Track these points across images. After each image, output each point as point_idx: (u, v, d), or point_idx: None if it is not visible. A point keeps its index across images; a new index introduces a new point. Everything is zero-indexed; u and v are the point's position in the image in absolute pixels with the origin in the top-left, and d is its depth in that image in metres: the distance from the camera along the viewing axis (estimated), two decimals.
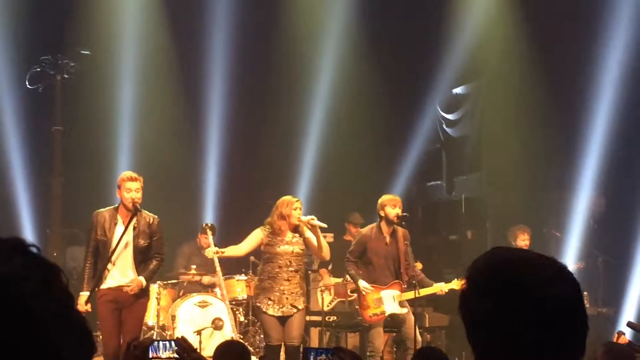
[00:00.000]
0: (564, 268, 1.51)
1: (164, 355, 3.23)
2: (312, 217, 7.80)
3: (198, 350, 7.62)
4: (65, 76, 10.06)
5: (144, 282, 7.29)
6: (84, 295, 7.09)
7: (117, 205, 7.32)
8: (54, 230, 10.45)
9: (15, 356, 1.02)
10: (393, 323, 8.46)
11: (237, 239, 8.37)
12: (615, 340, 6.09)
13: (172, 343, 3.22)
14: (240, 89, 12.37)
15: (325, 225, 7.95)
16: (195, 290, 9.92)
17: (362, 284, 8.26)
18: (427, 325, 9.61)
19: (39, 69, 10.05)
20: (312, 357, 3.55)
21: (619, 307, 10.12)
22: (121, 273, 7.25)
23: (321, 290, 9.89)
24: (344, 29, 12.33)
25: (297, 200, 7.88)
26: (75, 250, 11.06)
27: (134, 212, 7.17)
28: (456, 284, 8.21)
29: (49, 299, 1.07)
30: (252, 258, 9.76)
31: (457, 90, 12.53)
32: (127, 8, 11.70)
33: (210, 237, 8.53)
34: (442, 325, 9.92)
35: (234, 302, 9.91)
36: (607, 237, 10.35)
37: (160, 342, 3.24)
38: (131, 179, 7.16)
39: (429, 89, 12.34)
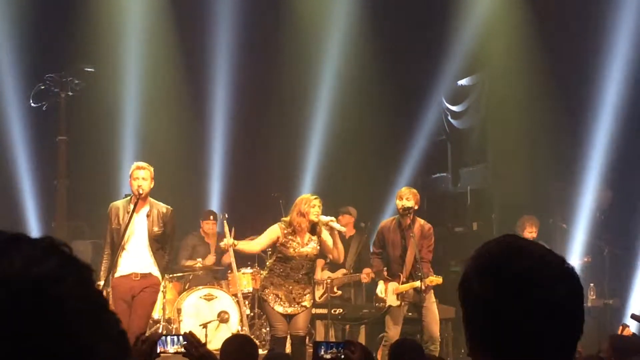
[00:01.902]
0: (571, 269, 1.52)
1: (171, 350, 3.22)
2: (332, 218, 7.77)
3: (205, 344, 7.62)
4: (70, 93, 10.12)
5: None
6: (99, 284, 7.31)
7: (131, 196, 7.63)
8: (58, 224, 10.46)
9: (54, 358, 1.02)
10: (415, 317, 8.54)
11: (242, 231, 8.38)
12: (619, 333, 6.09)
13: (180, 338, 3.21)
14: (245, 85, 12.39)
15: (343, 229, 7.93)
16: (201, 283, 9.93)
17: (380, 287, 8.35)
18: None
19: (43, 87, 10.11)
20: (322, 351, 3.54)
21: (625, 299, 10.11)
22: (137, 260, 7.50)
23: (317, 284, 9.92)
24: (349, 21, 12.31)
25: (315, 198, 7.79)
26: (79, 244, 11.06)
27: (137, 199, 7.44)
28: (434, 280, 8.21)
29: (86, 299, 1.06)
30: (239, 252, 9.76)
31: (463, 81, 12.50)
32: (130, 23, 11.79)
33: (226, 228, 8.46)
34: (449, 317, 9.90)
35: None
36: (613, 229, 10.33)
37: (168, 337, 3.23)
38: (138, 168, 7.50)
39: (434, 81, 12.31)
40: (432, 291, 8.25)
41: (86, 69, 10.28)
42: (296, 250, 7.67)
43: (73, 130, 10.41)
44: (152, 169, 7.58)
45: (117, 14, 11.77)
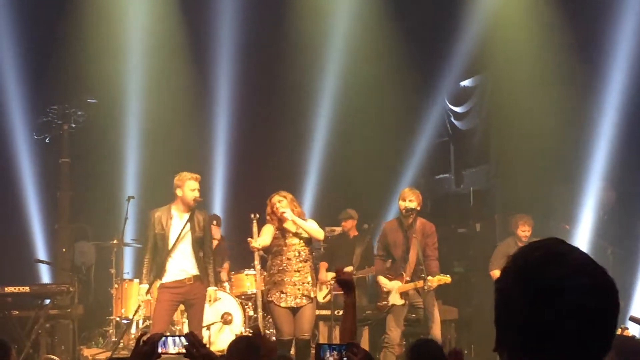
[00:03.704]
0: (610, 281, 1.51)
1: (173, 350, 3.22)
2: (283, 211, 7.76)
3: (207, 346, 7.64)
4: (73, 125, 10.21)
5: (215, 290, 8.03)
6: (144, 287, 7.79)
7: (170, 203, 7.88)
8: (61, 226, 10.48)
9: None
10: (413, 318, 8.52)
11: (243, 232, 8.37)
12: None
13: (182, 339, 3.21)
14: (248, 95, 12.44)
15: (289, 219, 7.80)
16: None
17: (382, 280, 8.38)
18: None
19: (46, 119, 10.20)
20: (325, 353, 3.53)
21: (628, 299, 10.09)
22: (182, 264, 7.78)
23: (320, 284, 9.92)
24: (353, 24, 12.31)
25: (274, 196, 7.89)
26: (83, 246, 11.08)
27: (194, 208, 7.80)
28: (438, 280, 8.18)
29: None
30: (260, 252, 9.74)
31: (465, 82, 12.50)
32: (132, 53, 11.96)
33: (255, 229, 8.42)
34: (452, 319, 9.90)
35: (243, 297, 9.92)
36: (616, 229, 10.31)
37: (170, 338, 3.23)
38: (195, 179, 7.84)
39: (437, 82, 12.32)
40: (432, 292, 8.23)
41: (89, 101, 10.38)
42: (288, 239, 7.80)
43: (76, 154, 10.50)
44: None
45: (118, 45, 11.85)
